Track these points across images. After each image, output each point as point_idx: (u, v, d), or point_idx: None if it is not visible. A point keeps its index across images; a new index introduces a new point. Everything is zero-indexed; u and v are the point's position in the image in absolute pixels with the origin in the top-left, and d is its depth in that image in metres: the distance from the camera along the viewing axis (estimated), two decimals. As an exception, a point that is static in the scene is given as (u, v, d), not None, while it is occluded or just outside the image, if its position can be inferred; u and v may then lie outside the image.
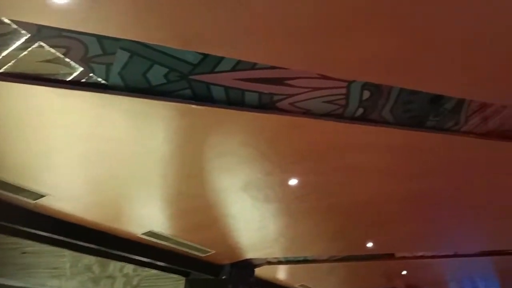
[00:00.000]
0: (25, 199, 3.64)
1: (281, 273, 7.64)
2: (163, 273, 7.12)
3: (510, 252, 6.43)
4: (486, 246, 6.37)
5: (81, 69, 2.52)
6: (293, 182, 3.95)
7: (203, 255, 5.73)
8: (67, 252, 6.30)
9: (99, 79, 2.60)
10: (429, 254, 5.77)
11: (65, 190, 3.72)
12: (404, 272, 8.15)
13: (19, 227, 3.99)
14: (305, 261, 6.15)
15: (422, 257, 5.79)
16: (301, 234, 5.58)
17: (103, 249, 4.89)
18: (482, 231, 5.64)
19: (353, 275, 8.37)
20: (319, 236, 5.67)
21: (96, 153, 3.28)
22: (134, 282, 7.74)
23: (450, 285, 10.96)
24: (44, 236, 4.31)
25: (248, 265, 6.37)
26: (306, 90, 2.88)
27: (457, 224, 5.19)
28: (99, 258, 6.61)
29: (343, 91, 2.89)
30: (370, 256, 5.98)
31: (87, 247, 4.79)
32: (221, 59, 2.53)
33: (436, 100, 3.06)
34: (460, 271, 8.85)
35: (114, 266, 7.11)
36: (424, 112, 3.17)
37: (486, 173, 3.93)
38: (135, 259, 5.50)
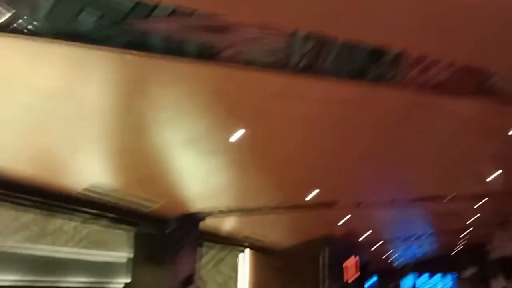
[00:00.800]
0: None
1: (226, 224, 7.80)
2: (111, 225, 7.06)
3: (442, 197, 6.93)
4: (420, 193, 6.80)
5: (7, 14, 2.29)
6: (237, 134, 3.94)
7: (149, 209, 5.70)
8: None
9: (26, 24, 2.38)
10: (368, 201, 6.08)
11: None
12: (344, 220, 8.59)
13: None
14: (250, 212, 6.30)
15: (361, 204, 6.10)
16: (246, 186, 5.66)
17: (46, 202, 4.73)
18: (417, 178, 6.00)
19: (296, 224, 8.71)
20: (263, 187, 5.79)
21: (29, 106, 3.07)
22: (83, 234, 7.63)
23: (388, 231, 11.73)
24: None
25: (194, 218, 6.43)
26: (248, 40, 2.80)
27: (394, 172, 5.48)
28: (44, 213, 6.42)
29: (286, 41, 2.84)
30: (312, 205, 6.22)
31: (26, 202, 4.60)
32: (157, 4, 2.38)
33: (377, 53, 3.10)
34: (398, 217, 9.48)
35: (58, 220, 6.94)
36: (364, 64, 3.20)
37: (419, 124, 4.13)
38: (80, 213, 5.38)
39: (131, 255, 6.42)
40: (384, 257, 14.37)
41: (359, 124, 4.06)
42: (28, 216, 6.48)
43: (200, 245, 6.81)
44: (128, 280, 6.40)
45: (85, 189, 4.68)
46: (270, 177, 5.43)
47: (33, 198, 4.61)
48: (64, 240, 7.47)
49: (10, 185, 4.19)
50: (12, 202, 4.76)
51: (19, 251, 8.03)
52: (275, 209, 6.34)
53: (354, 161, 5.04)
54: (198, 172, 4.95)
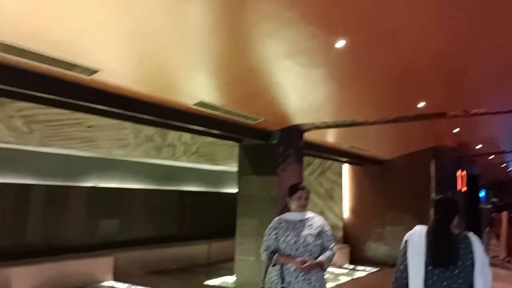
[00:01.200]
0: (80, 75, 3.82)
1: (329, 136, 7.88)
2: (218, 140, 7.59)
3: None
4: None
5: None
6: (339, 44, 3.82)
7: (254, 122, 5.95)
8: (128, 124, 6.79)
9: None
10: (482, 111, 5.62)
11: (116, 65, 3.85)
12: (456, 130, 8.12)
13: (80, 102, 4.25)
14: (353, 125, 6.24)
15: (474, 114, 5.67)
16: (349, 98, 5.57)
17: (159, 120, 5.18)
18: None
19: (401, 136, 8.47)
20: (368, 100, 5.65)
21: (142, 29, 3.29)
22: (193, 149, 8.36)
23: (500, 143, 10.88)
24: (104, 110, 4.60)
25: (297, 130, 6.59)
26: None
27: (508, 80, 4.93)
28: (158, 128, 7.10)
29: None
30: (419, 117, 5.94)
31: (145, 118, 5.08)
32: None
33: None
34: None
35: (172, 135, 7.65)
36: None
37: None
38: (190, 128, 5.83)
39: (238, 167, 6.89)
40: (495, 170, 13.56)
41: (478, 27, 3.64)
42: (147, 131, 7.25)
43: (304, 155, 7.01)
44: (236, 190, 6.95)
45: (195, 104, 5.01)
46: (374, 90, 5.25)
47: (147, 117, 5.02)
48: (178, 154, 8.27)
49: (129, 103, 4.61)
50: (132, 119, 5.28)
51: (143, 161, 9.14)
52: (379, 122, 6.20)
53: (466, 68, 4.62)
54: (300, 86, 4.97)
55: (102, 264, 7.79)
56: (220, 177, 11.73)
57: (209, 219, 11.26)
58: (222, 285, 7.90)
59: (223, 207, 11.53)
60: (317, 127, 6.48)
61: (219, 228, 11.45)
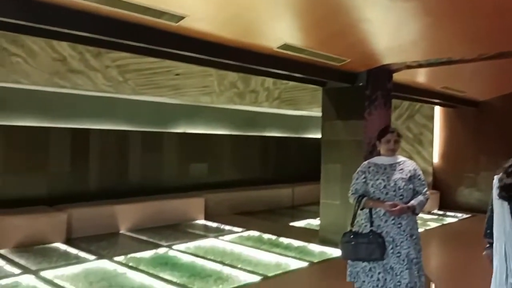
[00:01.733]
0: (167, 22, 3.91)
1: (421, 76, 7.38)
2: (300, 84, 7.49)
3: None
4: None
5: None
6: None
7: (339, 64, 5.74)
8: (213, 72, 6.93)
9: None
10: None
11: (201, 9, 3.87)
12: None
13: (168, 50, 4.38)
14: (449, 62, 5.74)
15: None
16: (444, 34, 5.09)
17: (243, 65, 5.19)
18: None
19: (504, 73, 7.68)
20: (466, 34, 5.12)
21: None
22: (275, 95, 8.37)
23: None
24: (190, 57, 4.71)
25: (385, 71, 6.25)
26: None
27: None
28: (242, 75, 7.17)
29: None
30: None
31: (229, 64, 5.12)
32: None
33: None
34: None
35: (255, 81, 7.70)
36: None
37: None
38: (273, 73, 5.79)
39: (322, 112, 6.77)
40: None
41: None
42: (231, 78, 7.36)
43: (393, 97, 6.68)
44: (318, 135, 6.88)
45: (279, 48, 4.92)
46: (474, 23, 4.73)
47: (232, 62, 5.04)
48: (260, 100, 8.34)
49: (214, 49, 4.65)
50: (217, 65, 5.35)
51: (228, 107, 9.38)
52: (478, 59, 5.64)
53: None
54: (390, 23, 4.62)
55: (194, 204, 8.36)
56: (302, 123, 11.71)
57: (292, 163, 11.43)
58: (306, 227, 8.11)
59: (305, 152, 11.60)
60: (408, 66, 6.08)
61: (302, 172, 11.60)
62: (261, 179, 10.61)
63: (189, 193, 8.71)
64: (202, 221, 8.28)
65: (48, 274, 4.92)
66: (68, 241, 6.39)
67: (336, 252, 6.03)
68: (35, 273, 4.92)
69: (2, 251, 5.79)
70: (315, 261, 5.67)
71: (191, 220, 8.20)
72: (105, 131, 7.76)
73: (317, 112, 10.34)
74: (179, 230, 7.49)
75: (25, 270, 5.01)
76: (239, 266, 5.41)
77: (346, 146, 6.29)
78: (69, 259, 5.55)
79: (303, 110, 10.07)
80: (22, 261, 5.38)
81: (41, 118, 7.02)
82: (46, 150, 7.05)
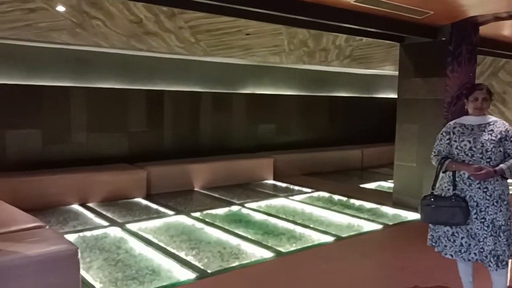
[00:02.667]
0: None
1: (508, 29, 6.71)
2: (374, 41, 7.11)
3: None
4: None
5: None
6: None
7: (420, 17, 5.34)
8: (283, 30, 6.78)
9: None
10: None
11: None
12: None
13: (234, 6, 4.29)
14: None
15: None
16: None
17: (318, 21, 5.00)
18: None
19: None
20: None
21: None
22: (347, 53, 8.06)
23: None
24: (263, 14, 4.60)
25: (471, 23, 5.73)
26: None
27: None
28: (313, 33, 6.94)
29: None
30: None
31: (303, 20, 4.96)
32: None
33: None
34: None
35: (326, 39, 7.43)
36: None
37: None
38: (349, 28, 5.54)
39: (399, 69, 6.42)
40: None
41: None
42: (301, 37, 7.16)
43: (477, 53, 6.16)
44: (388, 95, 6.57)
45: (356, 1, 4.67)
46: None
47: (307, 18, 4.86)
48: (330, 59, 8.07)
49: (284, 4, 4.50)
50: (292, 22, 5.20)
51: (296, 67, 9.22)
52: None
53: None
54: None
55: (263, 165, 8.47)
56: (372, 82, 11.26)
57: (361, 124, 11.13)
58: (377, 189, 7.94)
59: (375, 112, 11.22)
60: (497, 18, 5.52)
61: (371, 133, 11.29)
62: (330, 140, 10.47)
63: (258, 153, 8.82)
64: (271, 181, 8.40)
65: (132, 226, 5.28)
66: (147, 197, 6.79)
67: (411, 215, 5.88)
68: (121, 225, 5.30)
69: (91, 204, 6.29)
70: (390, 223, 5.56)
71: (260, 180, 8.35)
72: (178, 93, 7.98)
73: (389, 71, 9.89)
74: (249, 189, 7.66)
75: (112, 223, 5.41)
76: (311, 226, 5.45)
77: (425, 105, 5.96)
78: (150, 214, 5.91)
79: (374, 69, 9.65)
80: (108, 214, 5.81)
81: (120, 80, 7.35)
82: (125, 110, 7.41)
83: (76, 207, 6.17)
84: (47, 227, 3.85)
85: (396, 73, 6.51)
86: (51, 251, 3.14)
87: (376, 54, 8.36)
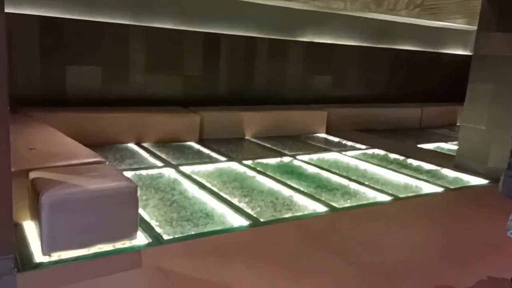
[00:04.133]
0: None
1: None
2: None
3: None
4: None
5: None
6: None
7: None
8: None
9: None
10: None
11: None
12: None
13: None
14: None
15: None
16: None
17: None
18: None
19: None
20: None
21: None
22: (418, 1, 7.42)
23: None
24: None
25: None
26: None
27: None
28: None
29: None
30: None
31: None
32: None
33: None
34: None
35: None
36: None
37: None
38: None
39: (479, 21, 5.82)
40: None
41: None
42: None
43: None
44: (458, 52, 6.01)
45: None
46: None
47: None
48: (399, 7, 7.47)
49: None
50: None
51: (360, 15, 8.67)
52: None
53: None
54: None
55: (316, 117, 8.24)
56: (438, 36, 10.45)
57: (422, 81, 10.49)
58: (436, 150, 7.55)
59: (439, 69, 10.51)
60: None
61: (433, 92, 10.66)
62: (387, 96, 9.99)
63: (312, 105, 8.56)
64: (323, 135, 8.19)
65: (186, 169, 5.32)
66: (200, 141, 6.81)
67: (474, 180, 5.54)
68: (175, 167, 5.35)
69: (145, 144, 6.39)
70: (451, 187, 5.27)
71: (312, 133, 8.15)
72: (234, 37, 7.74)
73: (461, 24, 9.09)
74: (300, 141, 7.51)
75: (166, 163, 5.48)
76: (366, 183, 5.27)
77: (505, 64, 5.42)
78: (202, 158, 5.93)
79: (444, 21, 8.91)
80: (162, 155, 5.89)
81: (178, 20, 7.20)
82: (182, 53, 7.31)
83: (131, 145, 6.30)
84: (107, 163, 3.91)
85: (467, 27, 5.97)
86: (112, 187, 3.18)
87: (449, 5, 7.64)
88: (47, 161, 3.63)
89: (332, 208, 4.31)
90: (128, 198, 3.21)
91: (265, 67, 8.23)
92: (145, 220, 3.74)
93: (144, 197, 4.32)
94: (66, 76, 6.38)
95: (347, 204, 4.52)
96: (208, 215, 3.99)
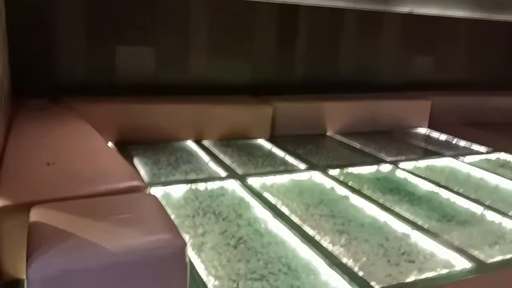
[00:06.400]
0: None
1: None
2: None
3: None
4: None
5: None
6: None
7: None
8: None
9: None
10: None
11: None
12: None
13: None
14: None
15: None
16: None
17: None
18: None
19: None
20: None
21: None
22: None
23: None
24: None
25: None
26: None
27: None
28: None
29: None
30: None
31: None
32: None
33: None
34: None
35: None
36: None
37: None
38: None
39: None
40: None
41: None
42: None
43: None
44: None
45: None
46: None
47: None
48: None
49: None
50: None
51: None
52: None
53: None
54: None
55: (416, 108, 6.62)
56: None
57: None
58: None
59: None
60: None
61: None
62: (505, 82, 8.03)
63: (411, 93, 6.92)
64: (425, 130, 6.56)
65: (254, 181, 4.06)
66: (271, 138, 5.51)
67: None
68: (241, 178, 4.10)
69: (206, 142, 5.22)
70: None
71: (410, 127, 6.55)
72: (315, 9, 6.25)
73: None
74: (398, 139, 5.96)
75: (231, 173, 4.26)
76: (510, 213, 3.69)
77: None
78: (276, 164, 4.61)
79: None
80: (226, 159, 4.66)
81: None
82: (251, 30, 5.98)
83: (190, 144, 5.15)
84: (148, 190, 2.73)
85: None
86: (145, 248, 1.97)
87: None
88: (62, 187, 2.52)
89: (479, 265, 2.83)
90: (170, 264, 2.00)
91: (352, 45, 6.66)
92: (199, 278, 2.53)
93: (200, 230, 3.12)
94: (116, 58, 5.33)
95: (497, 252, 3.01)
96: (290, 269, 2.70)
